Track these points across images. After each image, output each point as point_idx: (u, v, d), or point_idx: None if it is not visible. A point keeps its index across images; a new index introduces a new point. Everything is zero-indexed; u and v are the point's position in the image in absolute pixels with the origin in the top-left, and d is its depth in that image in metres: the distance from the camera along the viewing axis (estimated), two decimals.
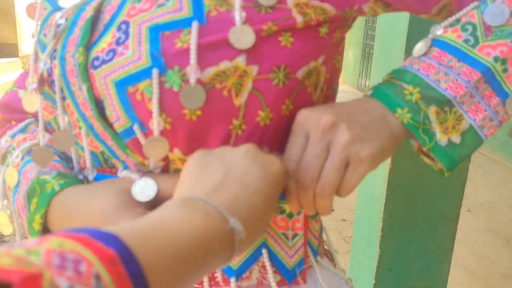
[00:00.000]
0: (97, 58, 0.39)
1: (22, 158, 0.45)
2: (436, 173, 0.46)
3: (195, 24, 0.37)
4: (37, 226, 0.40)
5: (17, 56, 5.86)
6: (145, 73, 0.37)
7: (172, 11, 0.38)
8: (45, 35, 0.43)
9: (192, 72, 0.36)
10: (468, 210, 2.73)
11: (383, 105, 0.40)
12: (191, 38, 0.37)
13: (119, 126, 0.39)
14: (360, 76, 6.76)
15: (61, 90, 0.41)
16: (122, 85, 0.38)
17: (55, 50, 0.42)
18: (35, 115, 0.51)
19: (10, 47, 5.83)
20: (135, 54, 0.38)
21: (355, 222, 1.22)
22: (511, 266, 2.16)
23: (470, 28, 0.40)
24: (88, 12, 0.41)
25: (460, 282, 2.01)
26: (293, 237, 0.44)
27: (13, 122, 0.52)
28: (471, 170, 3.29)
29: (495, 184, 3.17)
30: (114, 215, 0.37)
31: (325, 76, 0.43)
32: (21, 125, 0.51)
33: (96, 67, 0.39)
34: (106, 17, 0.40)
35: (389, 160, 1.01)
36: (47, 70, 0.42)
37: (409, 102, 0.39)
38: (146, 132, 0.38)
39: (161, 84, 0.37)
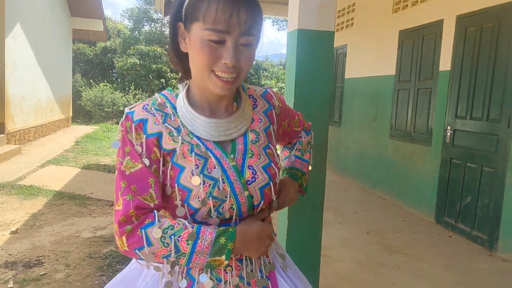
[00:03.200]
0: (248, 181, 0.91)
1: (192, 227, 0.85)
2: (308, 193, 1.44)
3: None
4: (231, 247, 0.86)
5: (3, 133, 6.61)
6: (268, 184, 0.93)
7: (263, 160, 0.94)
8: (209, 172, 0.89)
9: (277, 179, 0.97)
10: (367, 233, 3.89)
11: (292, 180, 1.12)
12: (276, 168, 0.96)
13: (256, 203, 0.93)
14: None
15: (228, 194, 0.89)
16: (261, 188, 0.93)
17: (216, 179, 0.89)
18: (159, 207, 0.90)
19: None
20: (263, 177, 0.93)
21: (278, 218, 2.31)
22: (382, 256, 3.26)
23: (299, 150, 1.18)
24: (231, 162, 0.91)
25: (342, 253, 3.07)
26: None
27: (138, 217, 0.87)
28: (375, 209, 4.56)
29: (390, 218, 4.38)
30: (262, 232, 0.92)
31: None
32: (158, 214, 0.87)
33: (249, 184, 0.92)
34: (239, 162, 0.92)
35: None
36: (218, 186, 0.88)
37: (298, 177, 1.14)
38: (264, 202, 0.94)
39: (274, 186, 0.94)
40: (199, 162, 0.89)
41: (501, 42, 3.47)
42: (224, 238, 0.86)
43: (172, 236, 0.84)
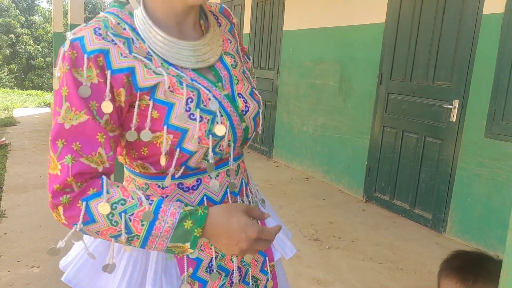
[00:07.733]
0: (242, 110, 0.81)
1: (150, 203, 0.68)
2: None
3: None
4: (198, 234, 0.69)
5: None
6: (258, 113, 0.84)
7: (247, 86, 0.84)
8: (205, 105, 0.75)
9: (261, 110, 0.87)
10: None
11: None
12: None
13: (250, 135, 0.84)
14: None
15: (227, 128, 0.77)
16: (254, 118, 0.83)
17: (213, 113, 0.76)
18: (109, 172, 0.72)
19: None
20: (254, 105, 0.83)
21: None
22: None
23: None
24: (222, 92, 0.79)
25: None
26: None
27: (80, 184, 0.68)
28: None
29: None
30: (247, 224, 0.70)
31: None
32: (107, 182, 0.69)
33: (244, 114, 0.81)
34: (228, 90, 0.81)
35: None
36: (216, 121, 0.76)
37: None
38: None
39: (261, 114, 0.85)
40: (193, 95, 0.74)
41: (275, 13, 5.00)
42: (190, 221, 0.69)
43: (123, 214, 0.67)
